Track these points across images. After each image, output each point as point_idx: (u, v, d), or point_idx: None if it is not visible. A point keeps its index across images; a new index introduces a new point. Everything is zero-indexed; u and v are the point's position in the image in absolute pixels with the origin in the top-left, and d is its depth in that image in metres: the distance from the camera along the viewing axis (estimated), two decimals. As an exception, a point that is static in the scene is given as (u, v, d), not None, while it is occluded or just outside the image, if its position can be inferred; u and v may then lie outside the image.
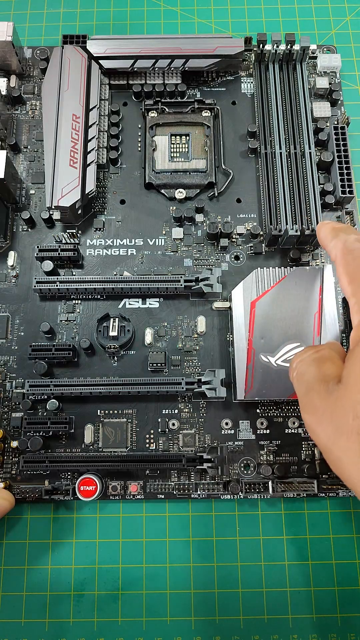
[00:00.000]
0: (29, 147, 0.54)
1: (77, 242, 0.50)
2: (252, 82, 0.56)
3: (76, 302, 0.50)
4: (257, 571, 0.45)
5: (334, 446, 0.30)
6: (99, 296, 0.50)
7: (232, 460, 0.46)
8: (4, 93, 0.54)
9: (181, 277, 0.48)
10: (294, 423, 0.47)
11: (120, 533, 0.46)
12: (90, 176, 0.50)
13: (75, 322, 0.49)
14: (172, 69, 0.54)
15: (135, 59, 0.53)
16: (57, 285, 0.48)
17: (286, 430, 0.47)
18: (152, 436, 0.47)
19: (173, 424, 0.47)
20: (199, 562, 0.45)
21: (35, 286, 0.48)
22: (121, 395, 0.46)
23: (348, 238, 0.36)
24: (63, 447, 0.46)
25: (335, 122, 0.54)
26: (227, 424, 0.47)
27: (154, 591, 0.44)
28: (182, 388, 0.45)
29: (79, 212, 0.51)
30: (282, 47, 0.53)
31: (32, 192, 0.53)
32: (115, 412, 0.47)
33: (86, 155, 0.50)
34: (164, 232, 0.52)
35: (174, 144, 0.53)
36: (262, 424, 0.47)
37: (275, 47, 0.53)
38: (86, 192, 0.49)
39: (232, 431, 0.47)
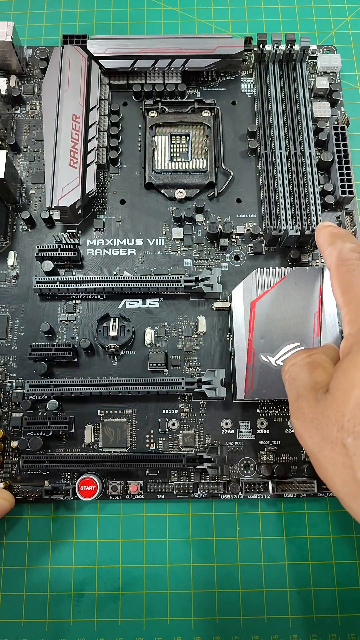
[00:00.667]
0: (29, 147, 0.54)
1: (77, 242, 0.50)
2: (252, 82, 0.56)
3: (76, 302, 0.50)
4: (257, 571, 0.45)
5: (320, 454, 0.30)
6: (99, 296, 0.50)
7: (232, 460, 0.46)
8: (4, 93, 0.54)
9: (181, 277, 0.48)
10: (294, 423, 0.47)
11: (120, 533, 0.46)
12: (90, 176, 0.50)
13: (75, 322, 0.49)
14: (172, 69, 0.54)
15: (135, 59, 0.53)
16: (57, 285, 0.48)
17: (286, 430, 0.47)
18: (152, 436, 0.47)
19: (173, 424, 0.47)
20: (199, 562, 0.45)
21: (35, 286, 0.48)
22: (121, 395, 0.46)
23: (343, 247, 0.35)
24: (63, 447, 0.46)
25: (335, 122, 0.54)
26: (227, 424, 0.47)
27: (154, 591, 0.44)
28: (182, 388, 0.45)
29: (79, 212, 0.51)
30: (282, 47, 0.53)
31: (32, 192, 0.53)
32: (115, 412, 0.47)
33: (86, 155, 0.50)
34: (164, 232, 0.52)
35: (174, 144, 0.53)
36: (262, 424, 0.47)
37: (275, 47, 0.53)
38: (86, 192, 0.49)
39: (232, 431, 0.47)
